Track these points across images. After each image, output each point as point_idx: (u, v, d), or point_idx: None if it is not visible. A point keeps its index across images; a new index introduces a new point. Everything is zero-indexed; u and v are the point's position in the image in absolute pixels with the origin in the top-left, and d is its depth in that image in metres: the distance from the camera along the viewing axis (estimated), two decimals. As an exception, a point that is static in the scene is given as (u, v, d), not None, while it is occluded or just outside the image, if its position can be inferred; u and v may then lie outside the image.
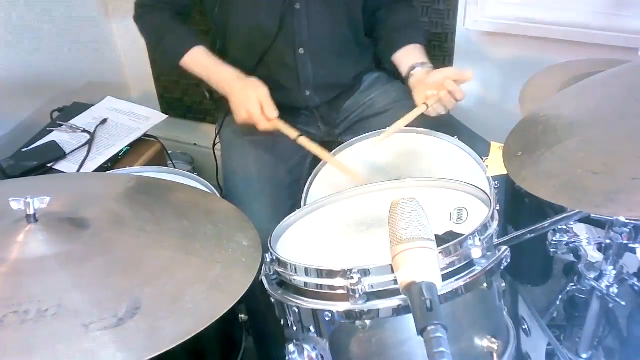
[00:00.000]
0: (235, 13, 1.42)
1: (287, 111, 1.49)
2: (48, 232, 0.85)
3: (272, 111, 1.31)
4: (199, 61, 1.41)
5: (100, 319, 0.72)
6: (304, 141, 1.30)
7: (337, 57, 1.45)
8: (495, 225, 0.89)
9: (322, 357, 0.88)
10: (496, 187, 1.08)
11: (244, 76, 1.36)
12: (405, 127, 1.31)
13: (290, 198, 1.34)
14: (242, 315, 1.09)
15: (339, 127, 1.53)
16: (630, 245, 1.08)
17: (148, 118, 1.67)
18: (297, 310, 0.88)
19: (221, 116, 1.53)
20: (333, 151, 1.32)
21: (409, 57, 1.42)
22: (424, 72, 1.37)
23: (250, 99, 1.31)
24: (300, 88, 1.45)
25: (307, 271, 0.86)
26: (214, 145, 1.58)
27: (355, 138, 1.34)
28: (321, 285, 0.85)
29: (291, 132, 1.32)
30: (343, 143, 1.35)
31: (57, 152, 1.53)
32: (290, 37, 1.39)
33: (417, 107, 1.29)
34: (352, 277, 0.81)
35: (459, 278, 0.83)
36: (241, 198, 1.33)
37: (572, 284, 1.30)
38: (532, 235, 0.98)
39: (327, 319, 0.84)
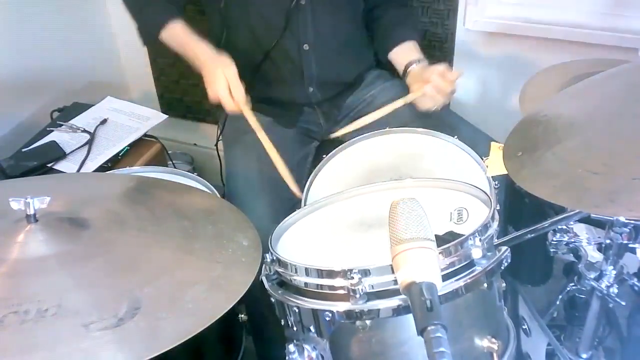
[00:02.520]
0: (242, 8, 1.42)
1: (289, 107, 1.50)
2: (48, 232, 0.85)
3: (239, 93, 1.27)
4: (175, 36, 1.40)
5: (100, 319, 0.72)
6: (262, 137, 1.28)
7: (341, 54, 1.46)
8: (495, 225, 0.89)
9: (322, 357, 0.88)
10: (496, 187, 1.08)
11: (216, 54, 1.33)
12: (407, 127, 1.32)
13: (290, 198, 1.34)
14: (242, 315, 1.09)
15: (340, 124, 1.53)
16: (630, 245, 1.08)
17: (148, 118, 1.67)
18: (297, 310, 0.88)
19: (223, 115, 1.53)
20: (333, 151, 1.32)
21: (404, 55, 1.45)
22: (420, 68, 1.40)
23: (218, 79, 1.27)
24: (303, 84, 1.46)
25: (307, 271, 0.86)
26: (217, 144, 1.58)
27: (356, 138, 1.34)
28: (321, 285, 0.85)
29: (254, 122, 1.28)
30: (344, 142, 1.35)
31: (57, 152, 1.53)
32: (295, 33, 1.40)
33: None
34: (353, 277, 0.81)
35: (459, 278, 0.83)
36: (242, 197, 1.33)
37: (572, 284, 1.30)
38: (532, 235, 0.98)
39: (327, 319, 0.84)
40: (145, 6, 1.43)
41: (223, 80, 1.27)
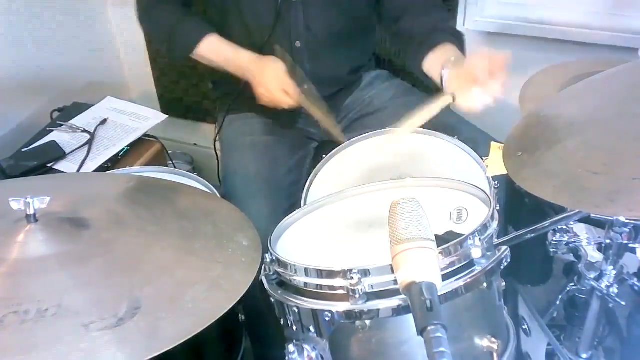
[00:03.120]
0: (236, 6, 1.42)
1: (287, 109, 1.50)
2: (48, 232, 0.85)
3: (291, 88, 1.30)
4: (214, 49, 1.41)
5: (100, 319, 0.72)
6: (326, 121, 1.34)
7: (334, 51, 1.45)
8: (495, 225, 0.89)
9: (322, 357, 0.88)
10: (496, 187, 1.08)
11: (261, 57, 1.35)
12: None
13: (289, 198, 1.34)
14: (242, 315, 1.09)
15: (339, 126, 1.53)
16: (630, 245, 1.08)
17: (148, 118, 1.67)
18: (297, 310, 0.88)
19: (221, 116, 1.53)
20: (333, 151, 1.32)
21: (438, 59, 1.26)
22: (456, 64, 1.20)
23: (268, 80, 1.31)
24: (298, 83, 1.45)
25: (307, 271, 0.86)
26: (215, 143, 1.58)
27: (356, 138, 1.34)
28: (321, 285, 0.85)
29: (314, 110, 1.32)
30: (343, 142, 1.35)
31: (57, 152, 1.53)
32: (287, 30, 1.39)
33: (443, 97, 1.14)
34: (352, 277, 0.81)
35: (459, 278, 0.83)
36: (240, 198, 1.32)
37: (572, 284, 1.30)
38: (532, 235, 0.98)
39: (327, 319, 0.84)
40: (177, 29, 1.42)
41: (274, 79, 1.30)
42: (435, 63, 1.27)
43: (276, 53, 1.35)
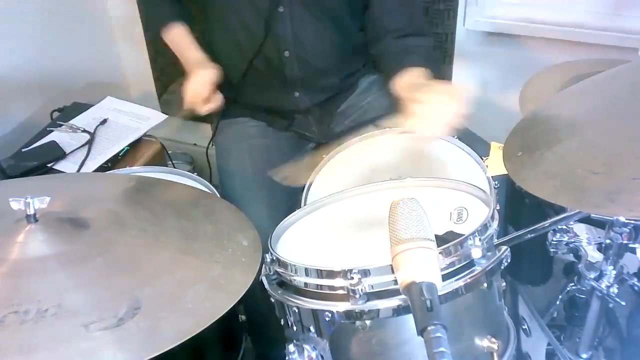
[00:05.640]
0: (223, 15, 1.42)
1: (280, 114, 1.49)
2: (48, 232, 0.85)
3: (202, 97, 1.35)
4: (172, 39, 1.45)
5: (100, 319, 0.72)
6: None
7: (323, 59, 1.44)
8: (495, 225, 0.89)
9: (322, 357, 0.88)
10: (496, 187, 1.08)
11: (200, 61, 1.39)
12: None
13: (288, 199, 1.34)
14: (242, 316, 1.09)
15: (335, 131, 1.52)
16: (630, 245, 1.08)
17: (148, 118, 1.67)
18: (297, 311, 0.88)
19: (216, 120, 1.53)
20: (333, 151, 1.32)
21: (403, 85, 1.26)
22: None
23: (191, 83, 1.35)
24: (288, 90, 1.45)
25: (307, 271, 0.86)
26: (208, 147, 1.58)
27: (355, 138, 1.33)
28: (321, 285, 0.85)
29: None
30: (344, 142, 1.34)
31: (57, 152, 1.53)
32: (275, 40, 1.39)
33: None
34: (352, 278, 0.81)
35: (459, 278, 0.83)
36: (240, 199, 1.32)
37: (572, 284, 1.30)
38: (532, 235, 0.98)
39: (327, 319, 0.84)
40: (151, 5, 1.50)
41: (192, 85, 1.34)
42: (401, 88, 1.26)
43: None
